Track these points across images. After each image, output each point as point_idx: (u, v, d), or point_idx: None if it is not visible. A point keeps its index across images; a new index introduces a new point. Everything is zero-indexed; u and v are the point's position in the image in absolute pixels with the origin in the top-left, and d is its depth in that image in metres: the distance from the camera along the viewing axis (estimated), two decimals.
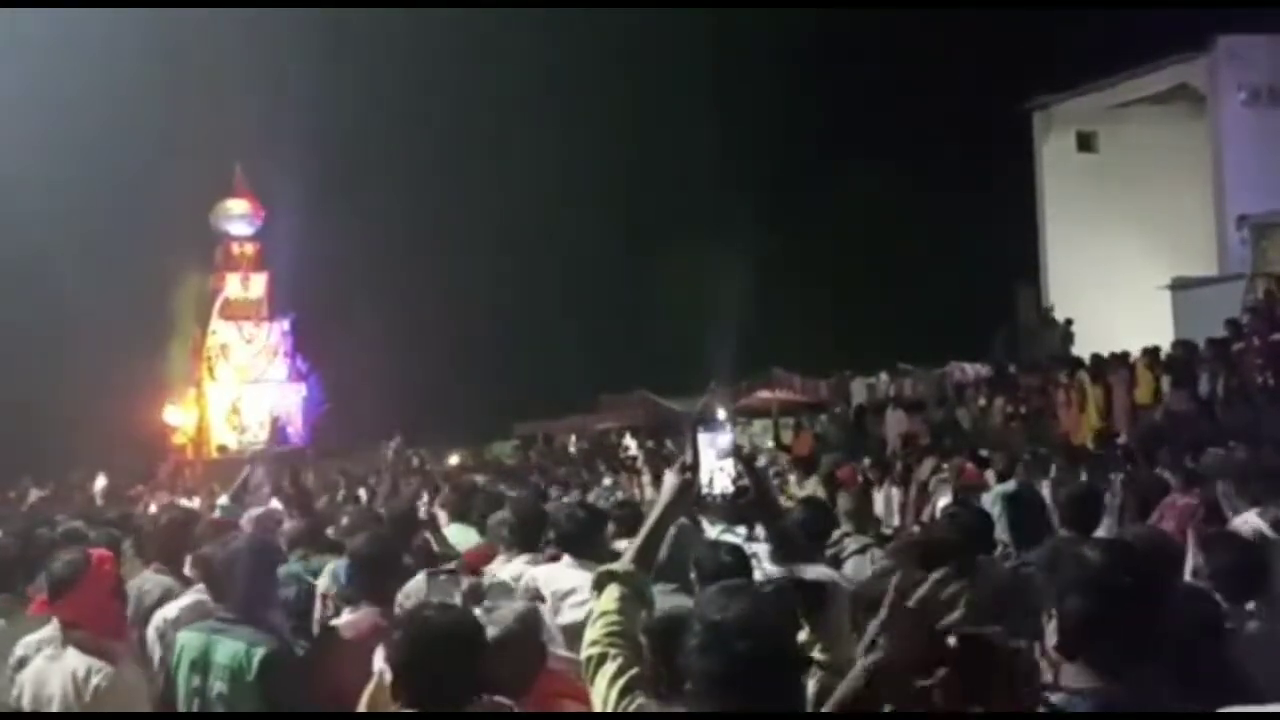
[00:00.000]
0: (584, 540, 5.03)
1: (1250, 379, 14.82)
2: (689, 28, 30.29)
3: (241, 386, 29.55)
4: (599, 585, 2.82)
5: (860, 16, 28.34)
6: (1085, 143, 24.83)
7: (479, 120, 32.81)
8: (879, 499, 10.74)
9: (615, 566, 2.86)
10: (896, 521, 10.85)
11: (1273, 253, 19.37)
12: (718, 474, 3.00)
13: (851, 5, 28.43)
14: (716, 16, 29.84)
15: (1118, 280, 21.88)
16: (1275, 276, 17.74)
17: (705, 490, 3.01)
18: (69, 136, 26.58)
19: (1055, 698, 2.16)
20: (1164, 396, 15.62)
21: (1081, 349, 19.24)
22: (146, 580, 5.42)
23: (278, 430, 27.70)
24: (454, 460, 21.38)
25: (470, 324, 30.94)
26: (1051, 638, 2.19)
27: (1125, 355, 16.79)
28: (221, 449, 28.18)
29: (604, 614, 2.74)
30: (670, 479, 3.01)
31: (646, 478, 9.86)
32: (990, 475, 10.89)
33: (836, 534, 5.87)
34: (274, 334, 30.13)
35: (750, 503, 3.10)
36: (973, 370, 21.49)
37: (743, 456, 3.15)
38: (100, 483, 14.63)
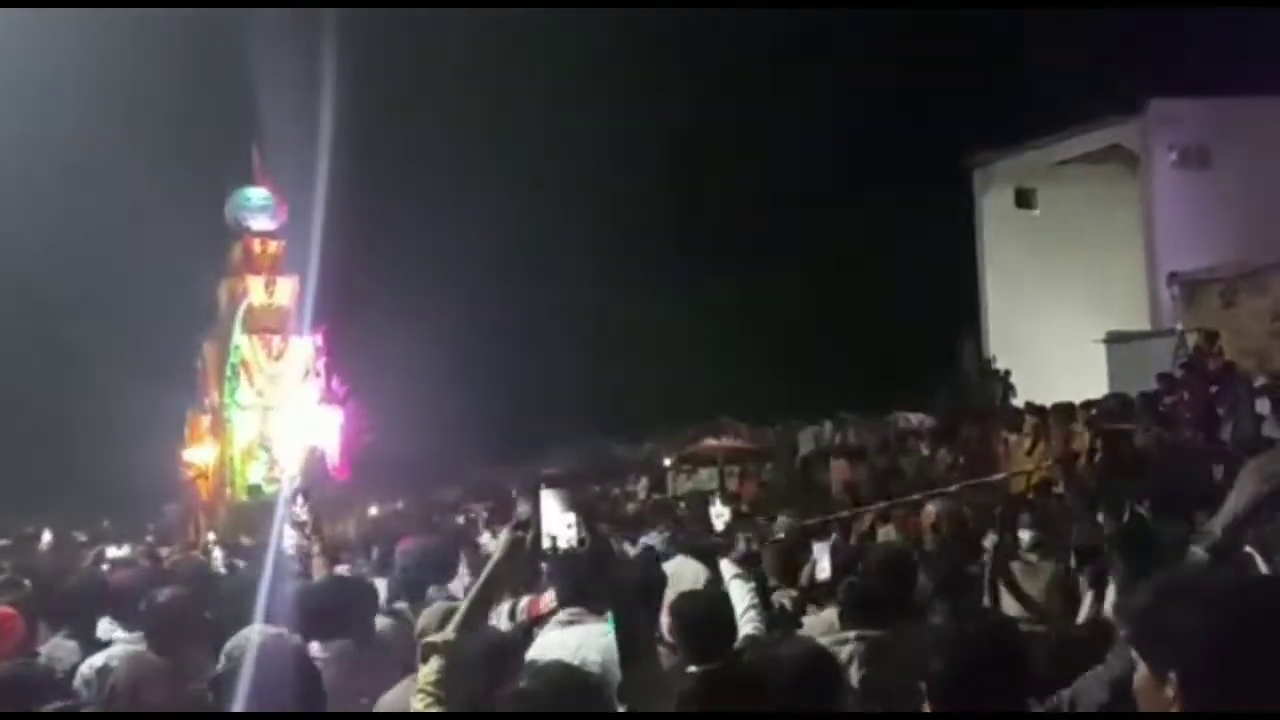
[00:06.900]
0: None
1: (1180, 431, 15.25)
2: (632, 79, 30.56)
3: (268, 413, 25.09)
4: (424, 657, 2.77)
5: (807, 71, 29.01)
6: (1024, 199, 25.51)
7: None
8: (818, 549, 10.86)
9: (437, 638, 2.79)
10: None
11: (1202, 309, 19.98)
12: (562, 531, 2.97)
13: (799, 61, 29.11)
14: (658, 67, 30.17)
15: (1056, 333, 22.41)
16: (1204, 332, 18.29)
17: (547, 547, 2.98)
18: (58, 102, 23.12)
19: None
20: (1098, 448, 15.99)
21: (1021, 400, 19.65)
22: (57, 648, 4.86)
23: (315, 465, 23.27)
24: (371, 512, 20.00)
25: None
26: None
27: (1068, 406, 17.14)
28: (253, 490, 23.77)
29: (421, 691, 2.71)
30: (504, 536, 2.94)
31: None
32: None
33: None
34: (305, 349, 25.52)
35: (584, 556, 3.12)
36: (917, 419, 21.85)
37: (582, 514, 3.09)
38: (46, 537, 13.89)
